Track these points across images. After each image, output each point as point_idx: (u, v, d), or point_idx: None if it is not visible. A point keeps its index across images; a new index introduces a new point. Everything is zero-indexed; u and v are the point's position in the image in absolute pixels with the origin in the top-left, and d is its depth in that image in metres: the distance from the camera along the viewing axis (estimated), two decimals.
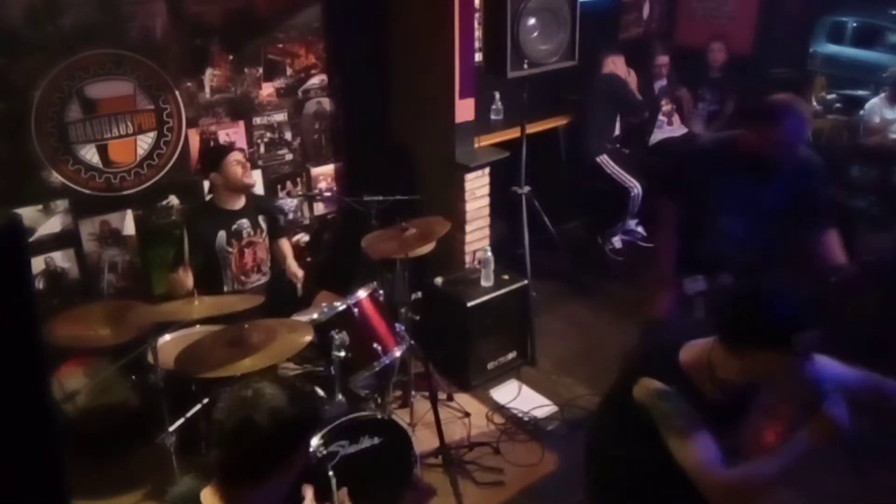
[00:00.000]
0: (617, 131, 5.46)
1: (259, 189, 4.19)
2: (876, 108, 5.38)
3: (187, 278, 3.29)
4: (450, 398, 3.94)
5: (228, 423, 1.61)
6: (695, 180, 3.00)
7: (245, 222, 3.60)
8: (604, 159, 5.21)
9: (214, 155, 3.62)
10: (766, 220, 2.91)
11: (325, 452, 2.72)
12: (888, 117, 5.31)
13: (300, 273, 3.70)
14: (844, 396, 1.95)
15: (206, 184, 3.75)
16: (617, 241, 5.51)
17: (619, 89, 5.22)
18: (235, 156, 3.52)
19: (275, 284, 3.74)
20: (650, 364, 2.09)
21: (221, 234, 3.53)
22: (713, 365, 1.97)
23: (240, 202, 3.58)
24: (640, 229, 5.64)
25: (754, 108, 2.94)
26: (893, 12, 5.93)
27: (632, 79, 5.41)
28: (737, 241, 2.94)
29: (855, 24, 6.06)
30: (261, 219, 3.67)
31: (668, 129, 5.75)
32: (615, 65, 5.25)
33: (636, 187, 5.19)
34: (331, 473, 2.55)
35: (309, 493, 1.99)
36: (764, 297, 1.92)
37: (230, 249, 3.56)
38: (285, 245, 3.87)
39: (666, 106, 5.76)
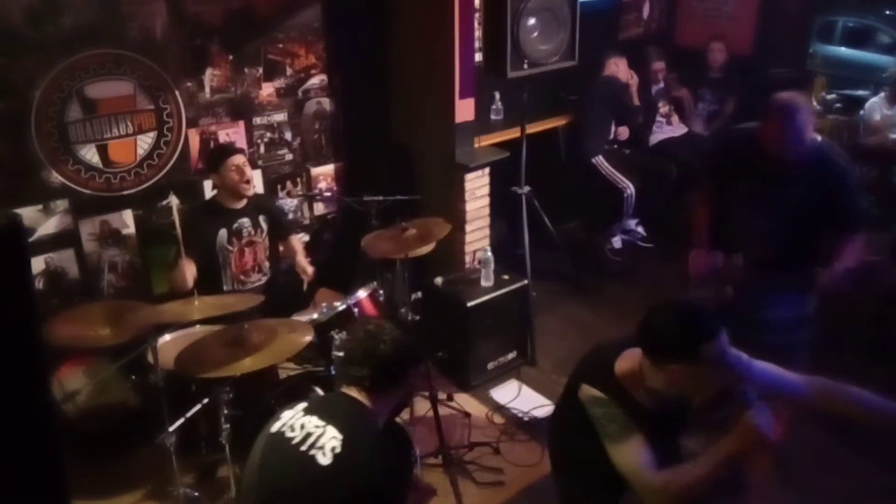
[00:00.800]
0: (613, 134, 5.45)
1: (259, 189, 4.19)
2: (876, 107, 5.38)
3: (189, 269, 3.28)
4: (450, 398, 3.94)
5: (357, 349, 2.06)
6: (727, 166, 3.11)
7: (246, 221, 3.60)
8: (599, 160, 5.22)
9: (214, 156, 3.62)
10: (783, 218, 2.92)
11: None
12: (890, 114, 5.31)
13: (310, 269, 3.70)
14: (788, 401, 2.08)
15: (209, 182, 3.76)
16: (617, 242, 5.51)
17: (616, 92, 5.22)
18: (235, 160, 3.50)
19: (275, 284, 3.74)
20: (589, 371, 2.23)
21: (223, 233, 3.53)
22: (644, 375, 2.07)
23: (241, 201, 3.58)
24: (639, 229, 5.64)
25: (761, 105, 2.96)
26: (888, 12, 5.93)
27: (634, 81, 5.41)
28: (754, 232, 2.99)
29: (846, 25, 6.07)
30: (261, 218, 3.67)
31: (667, 129, 5.75)
32: (617, 66, 5.25)
33: (629, 188, 5.19)
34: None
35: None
36: (670, 314, 2.02)
37: (231, 248, 3.56)
38: (295, 242, 3.88)
39: (663, 108, 5.76)
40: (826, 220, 2.91)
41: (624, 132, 5.54)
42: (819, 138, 2.97)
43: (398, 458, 2.06)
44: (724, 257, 3.09)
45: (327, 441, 1.90)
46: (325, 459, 1.88)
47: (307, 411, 2.01)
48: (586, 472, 2.28)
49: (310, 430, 1.94)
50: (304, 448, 1.91)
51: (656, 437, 2.06)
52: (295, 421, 1.98)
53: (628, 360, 2.13)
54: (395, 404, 2.15)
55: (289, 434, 1.95)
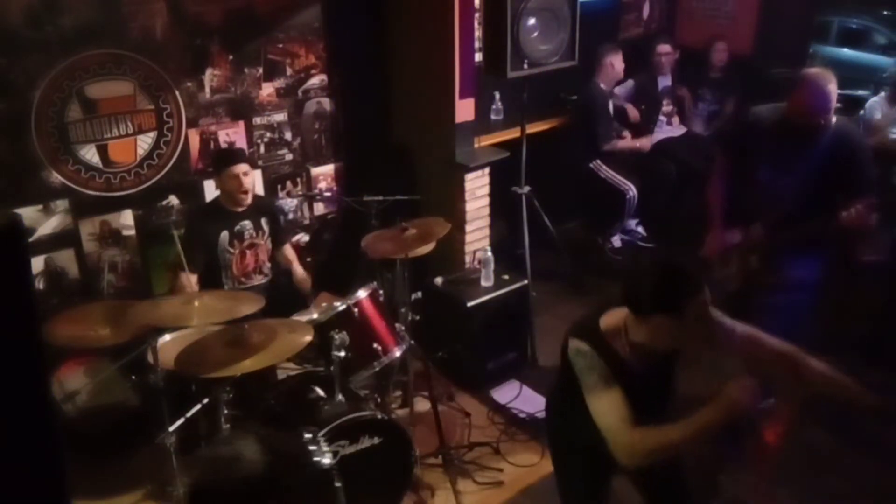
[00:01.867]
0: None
1: (259, 189, 4.19)
2: (876, 107, 5.38)
3: (190, 279, 3.29)
4: (450, 398, 3.94)
5: (199, 483, 1.52)
6: (749, 141, 3.37)
7: (247, 224, 3.60)
8: (596, 164, 5.23)
9: (218, 160, 3.62)
10: (802, 181, 3.20)
11: (331, 462, 2.70)
12: (888, 117, 5.30)
13: (309, 281, 3.70)
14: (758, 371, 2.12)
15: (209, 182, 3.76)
16: (616, 241, 5.52)
17: (596, 106, 5.23)
18: (236, 169, 3.49)
19: (275, 286, 3.74)
20: (576, 327, 2.31)
21: (224, 235, 3.54)
22: (627, 329, 2.14)
23: (243, 204, 3.59)
24: (639, 229, 5.65)
25: (795, 79, 3.26)
26: (885, 13, 5.94)
27: (623, 89, 5.43)
28: (775, 195, 3.27)
29: (843, 25, 6.07)
30: (263, 221, 3.67)
31: (667, 129, 5.74)
32: (612, 66, 5.24)
33: (631, 189, 5.20)
34: (338, 485, 2.58)
35: None
36: (656, 268, 2.09)
37: (231, 250, 3.57)
38: (289, 252, 3.87)
39: (667, 106, 5.75)
40: (841, 185, 3.17)
41: (634, 115, 5.55)
42: (835, 119, 3.20)
43: None
44: (742, 230, 3.40)
45: None
46: None
47: None
48: (579, 448, 2.35)
49: None
50: None
51: (638, 397, 2.09)
52: None
53: (613, 316, 2.20)
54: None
55: None
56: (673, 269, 2.06)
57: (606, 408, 2.09)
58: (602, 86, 5.25)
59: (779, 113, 3.24)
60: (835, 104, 3.11)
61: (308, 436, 2.68)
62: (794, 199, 3.24)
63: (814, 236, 3.20)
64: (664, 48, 5.68)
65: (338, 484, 2.60)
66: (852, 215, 3.05)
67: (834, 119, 3.17)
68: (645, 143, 5.47)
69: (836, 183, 3.16)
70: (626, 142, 5.45)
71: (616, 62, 5.24)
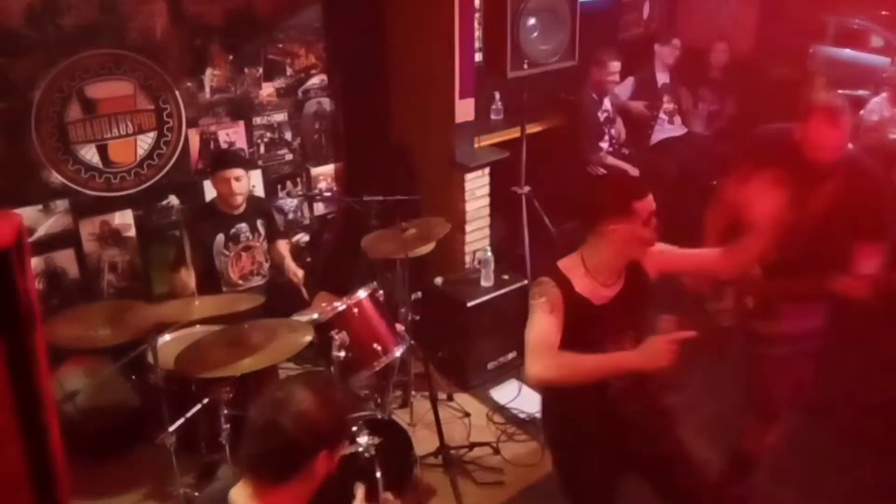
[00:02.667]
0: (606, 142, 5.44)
1: (259, 189, 4.19)
2: (876, 108, 5.38)
3: (190, 279, 3.29)
4: (450, 398, 3.94)
5: (258, 421, 1.67)
6: (753, 168, 2.92)
7: (244, 226, 3.61)
8: (603, 154, 5.22)
9: (212, 162, 3.63)
10: (808, 221, 2.80)
11: (373, 452, 2.72)
12: (889, 117, 5.30)
13: (300, 273, 3.69)
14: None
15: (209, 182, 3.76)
16: None
17: (583, 117, 5.22)
18: (228, 174, 3.49)
19: (274, 286, 3.74)
20: (541, 268, 2.47)
21: (220, 238, 3.54)
22: (584, 259, 2.37)
23: (239, 207, 3.58)
24: None
25: (806, 104, 2.87)
26: (884, 13, 5.93)
27: (624, 87, 5.41)
28: (779, 238, 2.84)
29: (840, 25, 6.05)
30: (259, 223, 3.67)
31: (668, 128, 5.73)
32: (603, 75, 5.20)
33: None
34: (378, 474, 2.59)
35: (360, 493, 2.05)
36: (605, 183, 2.27)
37: (227, 253, 3.57)
38: (283, 247, 3.87)
39: (668, 104, 5.73)
40: (852, 228, 2.78)
41: (638, 108, 5.54)
42: (851, 146, 2.85)
43: None
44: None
45: None
46: None
47: None
48: (580, 438, 2.40)
49: None
50: None
51: (596, 331, 2.26)
52: None
53: (570, 257, 2.41)
54: (301, 498, 1.73)
55: None
56: (620, 180, 2.23)
57: (538, 329, 2.23)
58: (593, 95, 5.25)
59: (787, 139, 2.85)
60: (849, 137, 2.75)
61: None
62: (798, 242, 2.81)
63: (814, 293, 2.82)
64: (676, 41, 5.65)
65: (378, 474, 2.61)
66: (846, 288, 2.70)
67: (848, 150, 2.81)
68: (632, 170, 5.25)
69: (847, 224, 2.75)
70: (613, 161, 5.29)
71: (607, 73, 5.20)
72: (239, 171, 3.52)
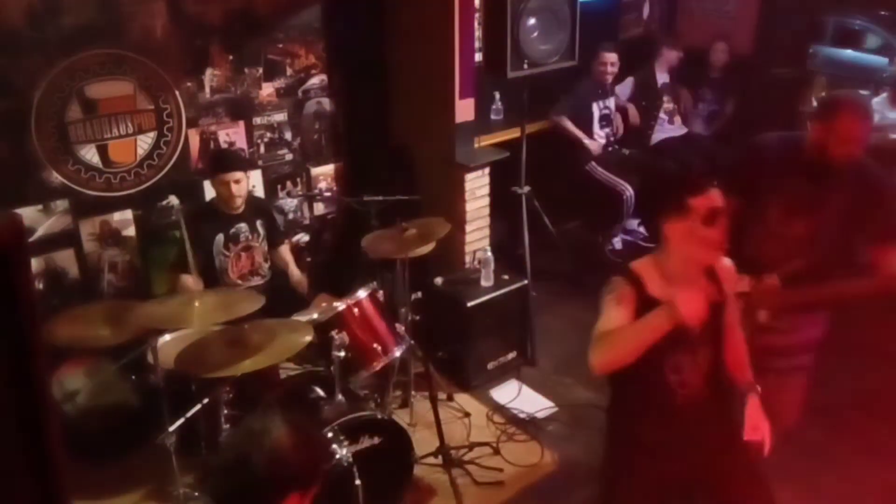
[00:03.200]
0: (601, 139, 5.43)
1: (259, 189, 4.19)
2: (877, 108, 5.38)
3: (198, 286, 3.30)
4: (450, 398, 3.94)
5: (229, 453, 1.64)
6: (756, 178, 2.84)
7: (243, 226, 3.61)
8: (592, 166, 5.23)
9: (212, 164, 3.63)
10: (824, 227, 2.74)
11: (350, 462, 2.73)
12: (889, 117, 5.30)
13: (304, 282, 3.70)
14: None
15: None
16: (617, 242, 5.51)
17: (577, 98, 5.24)
18: (228, 177, 3.48)
19: (273, 286, 3.74)
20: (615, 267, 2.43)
21: (219, 238, 3.54)
22: (659, 260, 2.27)
23: (238, 207, 3.58)
24: (641, 229, 5.64)
25: (823, 102, 2.85)
26: (883, 13, 5.93)
27: (624, 87, 5.41)
28: (794, 245, 2.78)
29: (839, 25, 6.06)
30: (258, 223, 3.67)
31: (668, 128, 5.73)
32: (601, 67, 5.22)
33: (628, 190, 5.19)
34: (357, 482, 2.60)
35: None
36: (664, 172, 2.19)
37: (227, 253, 3.57)
38: (286, 253, 3.87)
39: (668, 104, 5.73)
40: (867, 229, 2.73)
41: (634, 115, 5.53)
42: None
43: None
44: (752, 280, 2.81)
45: None
46: None
47: None
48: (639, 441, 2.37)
49: None
50: None
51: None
52: None
53: (646, 258, 2.32)
54: None
55: None
56: (679, 172, 2.15)
57: (601, 321, 2.20)
58: (592, 84, 5.26)
59: (795, 145, 2.79)
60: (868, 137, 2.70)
61: (329, 433, 2.68)
62: (815, 248, 2.75)
63: (846, 298, 2.76)
64: (672, 52, 5.66)
65: (357, 482, 2.60)
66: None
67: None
68: (594, 146, 5.28)
69: (861, 227, 2.71)
70: (577, 131, 5.26)
71: (600, 63, 5.21)
72: (239, 174, 3.52)
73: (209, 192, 3.87)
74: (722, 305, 2.32)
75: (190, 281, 3.34)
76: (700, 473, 2.38)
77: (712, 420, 2.33)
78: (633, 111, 5.59)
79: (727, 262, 2.38)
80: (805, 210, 2.75)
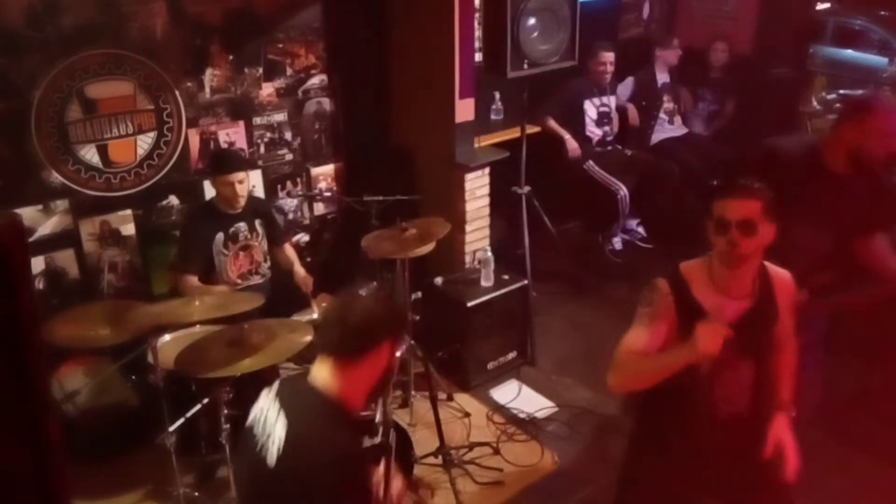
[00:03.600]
0: (597, 137, 5.43)
1: (259, 189, 4.19)
2: None
3: (193, 283, 3.32)
4: (450, 398, 3.94)
5: (330, 317, 2.01)
6: (777, 185, 2.60)
7: (242, 226, 3.60)
8: (589, 165, 5.23)
9: (214, 165, 3.61)
10: (847, 233, 2.73)
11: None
12: None
13: (310, 280, 3.70)
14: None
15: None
16: (617, 242, 5.51)
17: (568, 94, 5.25)
18: (233, 178, 3.47)
19: (274, 285, 3.74)
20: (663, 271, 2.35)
21: (219, 237, 3.54)
22: (709, 266, 2.18)
23: (237, 207, 3.59)
24: (640, 229, 5.64)
25: (852, 103, 2.82)
26: (883, 13, 5.93)
27: (624, 87, 5.41)
28: (813, 255, 2.74)
29: (839, 25, 6.06)
30: (257, 222, 3.67)
31: (668, 128, 5.73)
32: (596, 66, 5.22)
33: (622, 190, 5.19)
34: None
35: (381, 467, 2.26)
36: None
37: (226, 252, 3.57)
38: (290, 251, 3.88)
39: (668, 103, 5.72)
40: (873, 228, 2.76)
41: (634, 116, 5.53)
42: None
43: (348, 448, 1.90)
44: None
45: (275, 439, 1.88)
46: (271, 460, 1.87)
47: (276, 396, 1.99)
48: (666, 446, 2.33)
49: (268, 424, 1.92)
50: (258, 448, 1.91)
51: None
52: (261, 413, 1.96)
53: (697, 260, 2.24)
54: (371, 385, 2.00)
55: (254, 430, 1.96)
56: (717, 183, 2.12)
57: (627, 338, 2.19)
58: (589, 82, 5.26)
59: (813, 150, 2.74)
60: None
61: None
62: (839, 257, 2.74)
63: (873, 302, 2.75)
64: (676, 41, 5.65)
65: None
66: None
67: None
68: (575, 149, 5.23)
69: (870, 228, 2.71)
70: (560, 129, 5.23)
71: (600, 65, 5.21)
72: (242, 174, 3.52)
73: (209, 191, 3.87)
74: (770, 318, 2.22)
75: (191, 280, 3.35)
76: (726, 489, 2.33)
77: (750, 436, 2.24)
78: (632, 111, 5.59)
79: (784, 273, 2.27)
80: (832, 222, 2.71)
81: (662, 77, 5.72)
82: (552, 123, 5.23)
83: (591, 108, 5.34)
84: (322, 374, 1.94)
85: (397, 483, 2.27)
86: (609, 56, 5.22)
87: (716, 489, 2.34)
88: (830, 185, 2.67)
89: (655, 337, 2.15)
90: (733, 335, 2.01)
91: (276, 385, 2.03)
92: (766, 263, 2.24)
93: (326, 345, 1.96)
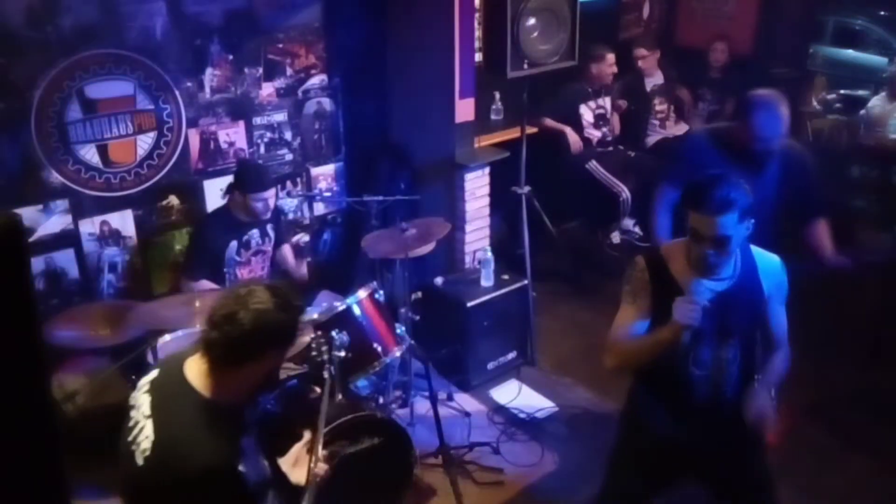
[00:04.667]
0: (597, 138, 5.43)
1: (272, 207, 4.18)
2: (882, 99, 5.37)
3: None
4: (450, 398, 3.94)
5: (218, 311, 1.82)
6: (691, 167, 3.04)
7: (255, 233, 3.63)
8: (593, 165, 5.23)
9: (248, 180, 3.54)
10: (761, 209, 2.91)
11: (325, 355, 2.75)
12: (892, 108, 5.30)
13: (304, 267, 3.70)
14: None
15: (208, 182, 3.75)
16: (615, 237, 5.51)
17: (563, 105, 5.26)
18: (266, 195, 3.49)
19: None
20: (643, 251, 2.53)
21: (233, 245, 3.55)
22: (688, 249, 2.22)
23: (264, 219, 3.61)
24: (636, 229, 5.63)
25: (739, 101, 3.14)
26: (883, 13, 5.93)
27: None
28: None
29: (839, 25, 6.07)
30: (269, 227, 3.69)
31: (661, 131, 5.71)
32: (594, 70, 5.23)
33: (624, 192, 5.19)
34: (326, 374, 2.59)
35: (306, 436, 2.24)
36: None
37: (239, 259, 3.58)
38: (287, 252, 3.88)
39: (661, 105, 5.70)
40: (794, 208, 3.05)
41: (621, 106, 5.54)
42: (785, 142, 3.08)
43: (219, 458, 1.80)
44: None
45: (145, 437, 1.84)
46: (139, 458, 1.84)
47: (150, 386, 1.92)
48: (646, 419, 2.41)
49: (138, 419, 1.86)
50: (129, 440, 1.89)
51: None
52: (137, 402, 1.91)
53: (679, 241, 2.31)
54: (252, 385, 1.91)
55: (131, 415, 1.92)
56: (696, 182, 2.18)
57: (616, 319, 2.30)
58: (588, 88, 5.28)
59: (726, 135, 3.10)
60: (787, 127, 3.00)
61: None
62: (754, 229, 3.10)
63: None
64: (640, 52, 5.65)
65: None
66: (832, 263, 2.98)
67: (784, 142, 3.06)
68: (577, 141, 5.25)
69: (790, 208, 3.02)
70: (558, 124, 5.26)
71: (599, 67, 5.22)
72: (272, 191, 3.54)
73: (209, 192, 3.87)
74: (753, 300, 2.27)
75: (203, 285, 3.35)
76: (708, 471, 2.40)
77: (734, 420, 2.26)
78: (621, 103, 5.58)
79: (772, 257, 2.33)
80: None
81: (654, 79, 5.70)
82: (549, 122, 5.24)
83: (587, 112, 5.35)
84: (198, 371, 1.85)
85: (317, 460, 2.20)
86: (612, 57, 5.24)
87: (696, 472, 2.43)
88: (741, 165, 2.87)
89: (641, 313, 2.24)
90: (711, 311, 2.10)
91: (154, 373, 1.96)
92: (753, 247, 2.31)
93: (206, 345, 1.84)
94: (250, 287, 1.87)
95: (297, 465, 2.19)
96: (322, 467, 2.17)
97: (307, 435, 2.25)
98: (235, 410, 1.90)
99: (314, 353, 2.54)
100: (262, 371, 1.89)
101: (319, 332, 2.58)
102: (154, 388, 1.91)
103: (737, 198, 2.10)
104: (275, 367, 1.96)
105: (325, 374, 2.52)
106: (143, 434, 1.83)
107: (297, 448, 2.24)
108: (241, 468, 1.84)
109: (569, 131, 5.23)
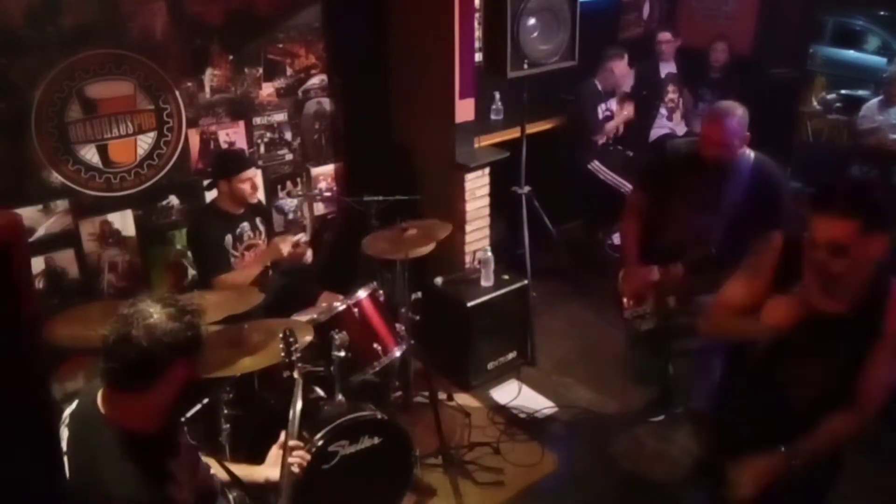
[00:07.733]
0: (606, 135, 5.43)
1: (259, 189, 4.18)
2: (873, 108, 5.38)
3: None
4: (450, 398, 3.94)
5: (110, 337, 1.74)
6: (665, 177, 3.30)
7: (246, 226, 3.62)
8: (595, 165, 5.23)
9: (229, 165, 3.57)
10: (721, 217, 3.15)
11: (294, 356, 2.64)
12: (882, 119, 5.30)
13: (303, 246, 3.71)
14: None
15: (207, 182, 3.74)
16: (616, 238, 5.51)
17: (586, 102, 5.26)
18: (250, 173, 3.52)
19: (276, 284, 3.74)
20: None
21: (228, 238, 3.54)
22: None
23: (253, 201, 3.62)
24: None
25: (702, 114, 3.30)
26: (882, 13, 5.94)
27: (628, 80, 5.40)
28: (694, 232, 3.22)
29: (839, 26, 6.07)
30: (258, 220, 3.68)
31: (667, 123, 5.71)
32: (612, 71, 5.24)
33: (629, 189, 5.19)
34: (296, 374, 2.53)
35: (282, 437, 2.24)
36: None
37: (235, 253, 3.57)
38: (280, 242, 3.87)
39: (673, 93, 5.69)
40: (761, 221, 2.88)
41: (630, 112, 5.54)
42: (752, 154, 3.16)
43: (147, 475, 1.74)
44: (661, 269, 3.32)
45: (66, 465, 1.72)
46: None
47: (69, 423, 1.82)
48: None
49: (62, 453, 1.74)
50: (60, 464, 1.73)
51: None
52: (61, 435, 1.79)
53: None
54: (164, 407, 1.81)
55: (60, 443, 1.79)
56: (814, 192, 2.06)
57: (730, 287, 2.25)
58: (598, 86, 5.26)
59: (693, 147, 3.19)
60: (742, 138, 3.06)
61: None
62: (714, 236, 3.17)
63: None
64: (664, 36, 5.67)
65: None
66: None
67: (752, 154, 3.13)
68: (630, 109, 5.40)
69: (757, 220, 2.95)
70: (614, 120, 5.38)
71: (617, 68, 5.24)
72: (253, 170, 3.59)
73: (210, 192, 3.86)
74: (867, 333, 2.04)
75: (230, 277, 3.39)
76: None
77: (794, 434, 2.14)
78: (628, 108, 5.58)
79: None
80: (702, 205, 3.17)
81: (667, 67, 5.70)
82: (611, 125, 5.37)
83: (600, 114, 5.35)
84: (110, 403, 1.76)
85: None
86: (626, 59, 5.28)
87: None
88: (702, 175, 3.11)
89: (752, 292, 2.16)
90: (807, 323, 2.00)
91: (73, 404, 1.86)
92: (892, 278, 2.06)
93: (108, 377, 1.75)
94: (136, 305, 1.77)
95: (276, 464, 2.21)
96: (295, 459, 2.20)
97: (283, 435, 2.26)
98: (153, 438, 1.80)
99: (282, 354, 2.53)
100: (173, 389, 1.78)
101: (288, 332, 2.56)
102: (72, 422, 1.82)
103: (859, 207, 1.91)
104: (188, 381, 1.80)
105: (295, 374, 2.49)
106: (67, 469, 1.71)
107: (275, 449, 2.26)
108: (167, 494, 1.79)
109: (627, 109, 5.38)
